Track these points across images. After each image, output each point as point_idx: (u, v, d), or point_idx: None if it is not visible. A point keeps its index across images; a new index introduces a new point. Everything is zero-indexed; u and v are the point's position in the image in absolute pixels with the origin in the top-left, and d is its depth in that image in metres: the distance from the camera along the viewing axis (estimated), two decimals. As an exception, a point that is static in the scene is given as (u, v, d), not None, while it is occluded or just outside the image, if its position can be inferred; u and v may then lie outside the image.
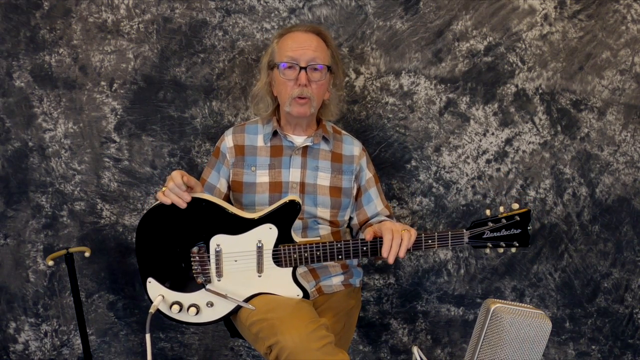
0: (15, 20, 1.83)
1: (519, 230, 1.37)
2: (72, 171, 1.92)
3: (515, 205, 1.37)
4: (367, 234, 1.38)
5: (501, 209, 1.39)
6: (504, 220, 1.37)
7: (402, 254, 1.32)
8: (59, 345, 2.06)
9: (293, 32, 1.49)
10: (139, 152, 1.91)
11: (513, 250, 1.40)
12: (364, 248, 1.38)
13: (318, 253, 1.38)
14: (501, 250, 1.40)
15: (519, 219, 1.37)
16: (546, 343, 1.24)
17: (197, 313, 1.39)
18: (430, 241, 1.38)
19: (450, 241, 1.39)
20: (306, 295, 1.40)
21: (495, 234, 1.38)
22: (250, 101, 1.75)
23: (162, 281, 1.40)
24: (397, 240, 1.31)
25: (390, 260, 1.31)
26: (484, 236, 1.38)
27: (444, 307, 2.03)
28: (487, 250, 1.41)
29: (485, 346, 1.24)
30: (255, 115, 1.63)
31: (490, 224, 1.37)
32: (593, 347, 2.06)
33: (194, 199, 1.35)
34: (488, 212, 1.40)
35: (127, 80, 1.86)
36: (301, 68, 1.44)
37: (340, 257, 1.39)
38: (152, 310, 1.35)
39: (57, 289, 2.01)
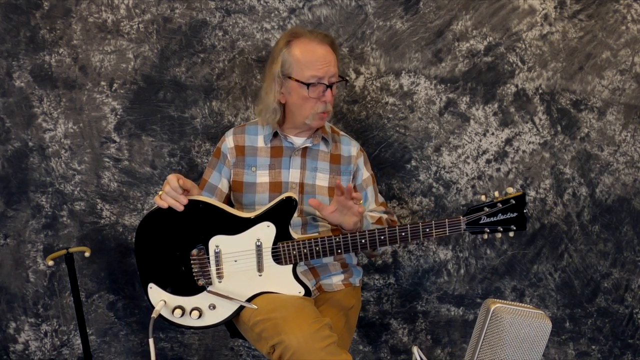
0: (15, 20, 1.83)
1: (515, 214, 1.37)
2: (72, 171, 1.92)
3: (510, 189, 1.37)
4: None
5: (496, 193, 1.39)
6: (499, 205, 1.36)
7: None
8: (59, 345, 2.06)
9: (309, 43, 1.43)
10: (139, 152, 1.91)
11: (511, 234, 1.39)
12: (363, 241, 1.38)
13: (317, 248, 1.38)
14: (499, 235, 1.39)
15: (514, 202, 1.36)
16: (546, 343, 1.24)
17: (199, 316, 1.39)
18: (427, 229, 1.38)
19: (447, 228, 1.38)
20: (308, 292, 1.40)
21: (492, 219, 1.37)
22: (255, 110, 1.69)
23: (163, 286, 1.40)
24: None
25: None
26: (481, 222, 1.38)
27: (444, 307, 2.03)
28: (486, 236, 1.39)
29: (485, 346, 1.24)
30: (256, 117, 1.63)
31: (487, 209, 1.37)
32: (593, 347, 2.06)
33: (191, 202, 1.35)
34: (483, 197, 1.39)
35: (127, 80, 1.86)
36: (327, 86, 1.44)
37: (339, 251, 1.38)
38: (154, 315, 1.35)
39: (57, 289, 2.00)
